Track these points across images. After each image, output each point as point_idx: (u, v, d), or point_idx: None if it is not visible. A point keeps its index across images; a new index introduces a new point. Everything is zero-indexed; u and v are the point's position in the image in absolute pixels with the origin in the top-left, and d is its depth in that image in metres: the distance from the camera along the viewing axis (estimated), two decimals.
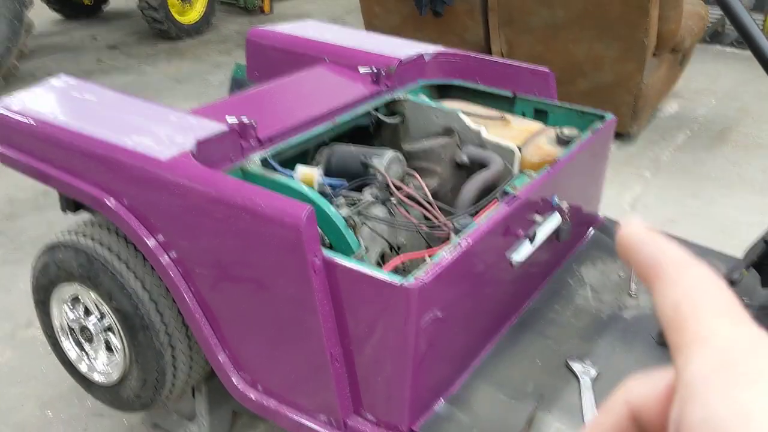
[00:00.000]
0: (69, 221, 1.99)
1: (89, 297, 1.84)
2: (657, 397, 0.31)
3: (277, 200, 1.46)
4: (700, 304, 0.30)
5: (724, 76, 5.57)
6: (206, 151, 1.70)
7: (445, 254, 1.48)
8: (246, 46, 2.61)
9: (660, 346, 1.82)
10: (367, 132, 2.36)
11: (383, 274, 1.40)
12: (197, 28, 6.52)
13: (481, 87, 2.47)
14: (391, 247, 1.92)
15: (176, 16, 6.30)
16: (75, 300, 1.92)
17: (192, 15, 6.48)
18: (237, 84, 2.75)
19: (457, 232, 1.62)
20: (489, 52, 4.29)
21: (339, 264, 1.44)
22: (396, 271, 1.68)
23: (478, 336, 1.75)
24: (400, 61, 2.35)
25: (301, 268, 1.44)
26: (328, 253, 1.46)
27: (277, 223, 1.43)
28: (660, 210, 3.62)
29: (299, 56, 2.49)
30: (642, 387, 0.32)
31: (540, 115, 2.41)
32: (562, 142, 2.15)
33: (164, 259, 1.65)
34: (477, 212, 1.81)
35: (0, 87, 4.98)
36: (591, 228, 2.31)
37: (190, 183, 1.55)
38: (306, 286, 1.45)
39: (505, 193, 1.77)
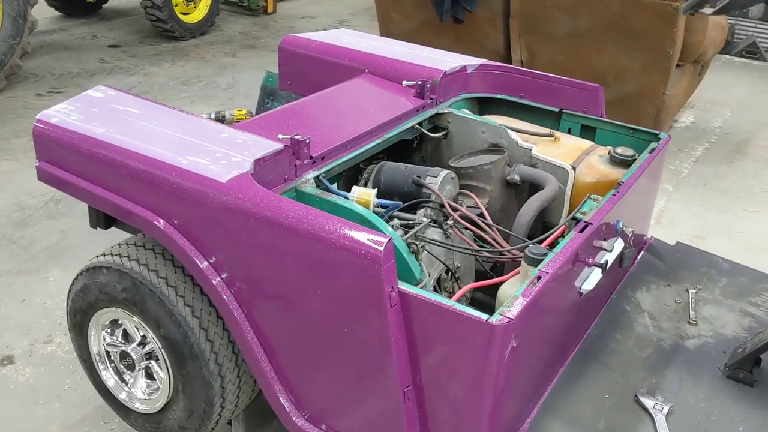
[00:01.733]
0: (85, 230, 1.87)
1: (131, 322, 1.74)
2: None
3: (352, 229, 1.37)
4: None
5: (735, 86, 5.53)
6: (263, 170, 1.61)
7: (525, 287, 1.40)
8: (279, 54, 2.51)
9: (728, 378, 1.75)
10: (408, 145, 2.28)
11: (467, 309, 1.31)
12: (201, 28, 6.40)
13: (526, 101, 2.39)
14: (448, 270, 1.84)
15: (180, 16, 6.17)
16: (113, 323, 1.82)
17: (196, 15, 6.36)
18: (267, 93, 2.66)
19: (532, 261, 1.54)
20: (509, 60, 4.21)
21: (417, 297, 1.35)
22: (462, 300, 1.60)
23: (546, 369, 1.67)
24: (444, 73, 2.27)
25: (376, 301, 1.35)
26: (403, 285, 1.38)
27: (354, 253, 1.34)
28: (686, 225, 3.56)
29: (336, 66, 2.40)
30: None
31: (587, 131, 2.33)
32: (617, 162, 2.08)
33: (218, 283, 1.55)
34: (544, 238, 1.73)
35: (2, 86, 4.85)
36: (642, 250, 2.24)
37: (254, 207, 1.45)
38: (380, 320, 1.37)
39: (575, 220, 1.69)
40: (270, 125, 1.91)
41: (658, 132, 2.20)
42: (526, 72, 2.40)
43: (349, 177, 2.15)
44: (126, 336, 1.81)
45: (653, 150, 2.07)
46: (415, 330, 1.38)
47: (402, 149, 2.26)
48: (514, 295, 1.37)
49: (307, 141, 1.73)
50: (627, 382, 1.72)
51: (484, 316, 1.30)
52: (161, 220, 1.59)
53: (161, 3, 5.86)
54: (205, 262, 1.56)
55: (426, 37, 4.37)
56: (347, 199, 1.73)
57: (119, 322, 1.79)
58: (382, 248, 1.32)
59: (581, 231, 1.62)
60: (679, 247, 2.31)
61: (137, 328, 1.75)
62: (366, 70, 2.35)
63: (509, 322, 1.29)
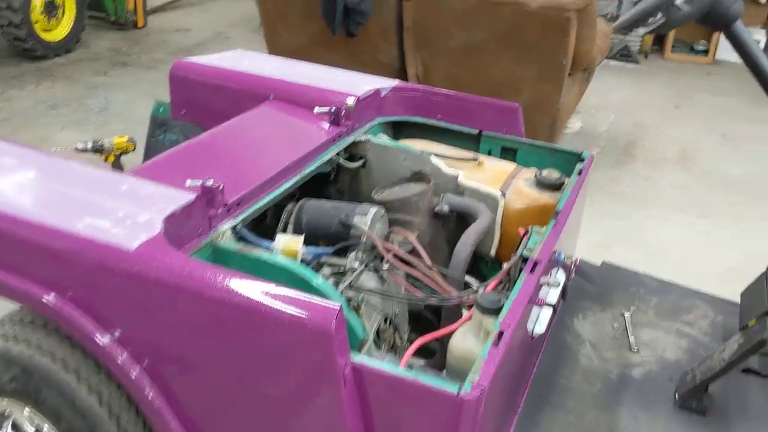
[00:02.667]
0: None
1: (23, 415, 1.46)
2: None
3: (293, 298, 1.18)
4: None
5: (615, 89, 5.72)
6: (175, 228, 1.38)
7: (489, 347, 1.26)
8: (171, 81, 2.25)
9: (680, 408, 1.70)
10: (324, 178, 2.10)
11: (435, 382, 1.15)
12: (66, 46, 5.89)
13: (444, 124, 2.27)
14: (386, 319, 1.68)
15: (41, 34, 5.65)
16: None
17: (59, 31, 5.84)
18: (158, 124, 2.39)
19: (487, 311, 1.40)
20: (404, 74, 4.11)
21: (374, 371, 1.18)
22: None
23: (502, 421, 1.54)
24: (358, 98, 2.11)
25: (327, 378, 1.17)
26: (357, 358, 1.20)
27: (297, 326, 1.15)
28: (590, 234, 3.57)
29: (238, 93, 2.18)
30: None
31: (508, 152, 2.24)
32: (544, 185, 2.00)
33: (126, 362, 1.31)
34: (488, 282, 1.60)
35: None
36: (572, 273, 2.18)
37: (172, 276, 1.23)
38: (333, 400, 1.18)
39: (523, 258, 1.57)
40: (173, 168, 1.67)
41: (579, 152, 2.15)
42: (443, 93, 2.28)
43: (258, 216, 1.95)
44: (16, 430, 1.52)
45: (581, 171, 2.01)
46: (373, 408, 1.21)
47: (317, 181, 2.08)
48: (480, 357, 1.23)
49: (221, 187, 1.52)
50: (583, 424, 1.63)
51: (453, 388, 1.15)
52: (52, 294, 1.33)
53: (19, 21, 5.33)
54: (109, 338, 1.32)
55: (318, 51, 4.19)
56: (271, 250, 1.54)
57: (6, 413, 1.50)
58: (333, 320, 1.14)
59: (532, 270, 1.51)
60: (605, 267, 2.27)
61: (31, 420, 1.47)
62: (272, 97, 2.15)
63: (482, 392, 1.15)
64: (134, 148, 3.50)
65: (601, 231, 3.59)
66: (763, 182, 4.16)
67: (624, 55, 6.42)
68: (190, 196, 1.44)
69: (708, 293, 2.13)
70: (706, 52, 6.56)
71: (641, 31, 1.61)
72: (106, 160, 3.64)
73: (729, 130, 4.96)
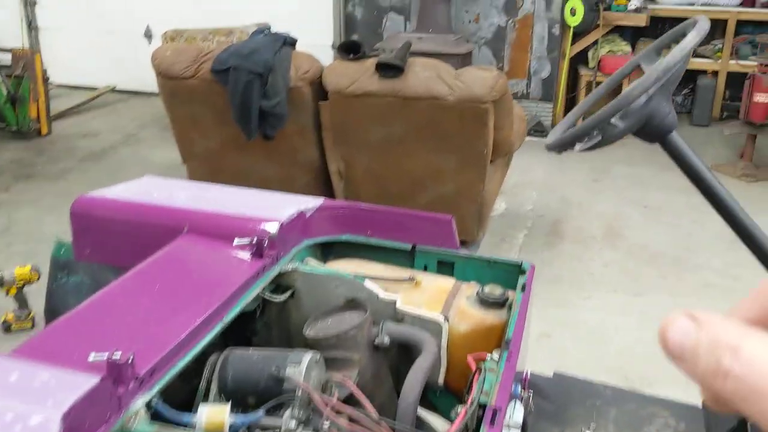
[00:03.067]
0: None
1: None
2: None
3: None
4: None
5: (534, 166, 5.78)
6: (76, 421, 1.17)
7: None
8: (71, 220, 2.04)
9: None
10: (249, 315, 1.91)
11: None
12: None
13: (375, 241, 2.14)
14: None
15: None
16: None
17: None
18: (60, 266, 2.16)
19: None
20: (326, 171, 4.00)
21: None
22: None
23: None
24: (282, 224, 1.95)
25: None
26: None
27: None
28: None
29: (147, 228, 1.99)
30: None
31: (444, 265, 2.12)
32: (488, 304, 1.87)
33: None
34: None
35: None
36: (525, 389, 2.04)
37: None
38: None
39: (481, 405, 1.42)
40: (73, 337, 1.46)
41: (519, 263, 2.04)
42: (372, 208, 2.16)
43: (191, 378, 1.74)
44: None
45: (524, 287, 1.89)
46: None
47: (242, 317, 1.89)
48: None
49: (131, 359, 1.32)
50: None
51: None
52: None
53: None
54: None
55: (232, 155, 4.05)
56: (193, 427, 1.34)
57: None
58: None
59: (492, 421, 1.35)
60: (558, 378, 2.15)
61: None
62: (186, 229, 1.97)
63: None
64: (38, 278, 3.22)
65: (540, 319, 3.50)
66: (690, 253, 4.21)
67: (538, 130, 6.55)
68: (93, 380, 1.23)
69: (667, 398, 2.03)
70: None
71: (577, 148, 1.54)
72: (7, 293, 3.32)
73: (648, 200, 5.06)
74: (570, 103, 6.92)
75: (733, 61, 6.93)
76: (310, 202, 2.14)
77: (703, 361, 0.33)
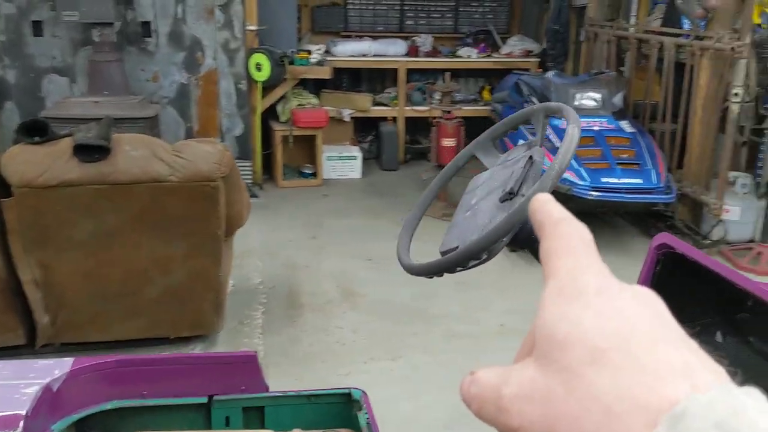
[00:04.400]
0: None
1: None
2: None
3: None
4: (558, 249, 0.40)
5: (250, 231, 5.38)
6: None
7: None
8: None
9: None
10: None
11: None
12: None
13: (153, 401, 1.60)
14: None
15: None
16: None
17: None
18: None
19: None
20: (17, 283, 3.18)
21: None
22: None
23: None
24: (26, 415, 1.34)
25: None
26: None
27: None
28: None
29: None
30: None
31: (251, 414, 1.67)
32: None
33: None
34: None
35: None
36: None
37: None
38: None
39: None
40: None
41: (346, 389, 1.70)
42: (146, 359, 1.63)
43: None
44: None
45: (369, 423, 1.55)
46: None
47: None
48: None
49: None
50: None
51: None
52: None
53: None
54: None
55: None
56: None
57: None
58: None
59: None
60: None
61: None
62: None
63: None
64: None
65: None
66: (429, 302, 4.23)
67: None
68: None
69: None
70: (314, 174, 6.74)
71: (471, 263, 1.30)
72: None
73: (370, 252, 5.03)
74: (267, 159, 6.72)
75: (408, 107, 7.41)
76: (55, 367, 1.54)
77: (481, 410, 0.39)
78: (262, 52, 6.17)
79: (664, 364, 0.34)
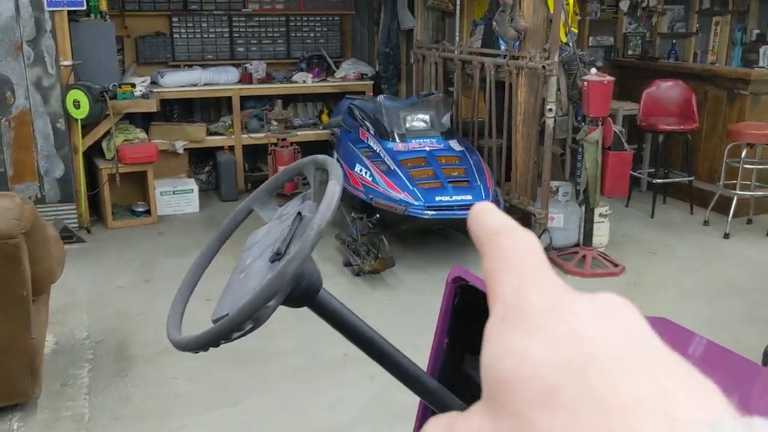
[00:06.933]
0: None
1: None
2: None
3: None
4: (499, 267, 0.35)
5: (73, 281, 5.06)
6: None
7: None
8: None
9: None
10: None
11: None
12: None
13: None
14: None
15: None
16: None
17: None
18: None
19: None
20: None
21: None
22: None
23: None
24: None
25: None
26: None
27: None
28: None
29: None
30: None
31: None
32: None
33: None
34: None
35: None
36: None
37: None
38: None
39: None
40: None
41: None
42: None
43: None
44: None
45: None
46: None
47: None
48: None
49: None
50: None
51: None
52: None
53: None
54: None
55: None
56: None
57: None
58: None
59: None
60: None
61: None
62: None
63: None
64: None
65: None
66: (268, 339, 4.10)
67: (66, 237, 5.78)
68: None
69: None
70: (148, 211, 6.42)
71: (234, 335, 1.21)
72: None
73: (206, 291, 4.82)
74: (95, 199, 6.32)
75: (245, 135, 7.26)
76: None
77: None
78: (79, 89, 5.81)
79: (630, 396, 0.28)
